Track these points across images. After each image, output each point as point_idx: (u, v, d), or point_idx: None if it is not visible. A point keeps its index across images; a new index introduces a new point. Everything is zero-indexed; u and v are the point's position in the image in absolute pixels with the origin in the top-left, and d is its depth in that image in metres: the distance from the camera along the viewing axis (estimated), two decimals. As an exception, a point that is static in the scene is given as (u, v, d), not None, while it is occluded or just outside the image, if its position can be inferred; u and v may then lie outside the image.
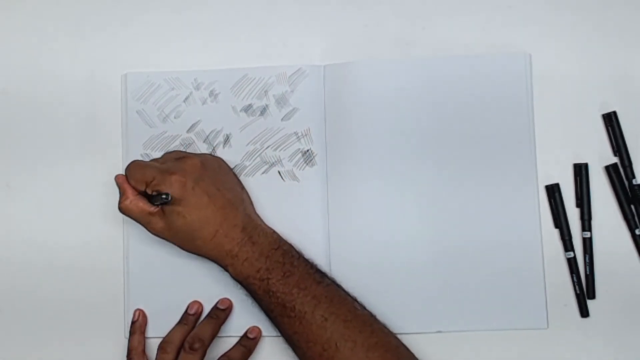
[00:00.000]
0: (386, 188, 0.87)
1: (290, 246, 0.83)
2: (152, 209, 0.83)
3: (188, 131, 0.90)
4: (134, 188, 0.83)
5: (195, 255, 0.85)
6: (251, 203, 0.87)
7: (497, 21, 0.90)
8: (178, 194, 0.81)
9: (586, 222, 0.86)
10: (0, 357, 0.89)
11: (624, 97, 0.88)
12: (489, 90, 0.88)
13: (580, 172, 0.87)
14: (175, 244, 0.84)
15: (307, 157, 0.89)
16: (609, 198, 0.87)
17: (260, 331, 0.87)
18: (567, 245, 0.86)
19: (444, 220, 0.87)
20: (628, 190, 0.86)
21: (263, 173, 0.89)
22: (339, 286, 0.83)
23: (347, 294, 0.82)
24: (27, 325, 0.89)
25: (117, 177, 0.85)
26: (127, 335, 0.87)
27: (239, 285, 0.83)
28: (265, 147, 0.89)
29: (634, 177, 0.86)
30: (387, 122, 0.88)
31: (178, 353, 0.84)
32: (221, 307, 0.87)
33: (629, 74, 0.88)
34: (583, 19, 0.89)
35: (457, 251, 0.86)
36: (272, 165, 0.89)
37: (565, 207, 0.87)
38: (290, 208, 0.88)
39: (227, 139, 0.89)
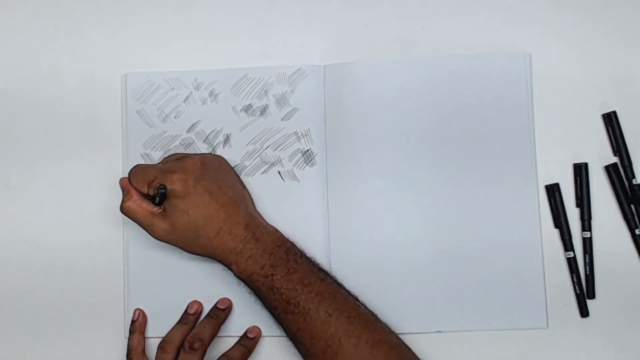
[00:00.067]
0: (386, 188, 0.87)
1: (293, 244, 0.84)
2: (155, 209, 0.83)
3: (188, 131, 0.90)
4: (137, 191, 0.83)
5: (195, 256, 0.85)
6: (252, 201, 0.87)
7: (497, 21, 0.90)
8: (180, 191, 0.81)
9: (586, 222, 0.86)
10: (0, 357, 0.89)
11: (624, 97, 0.88)
12: (489, 90, 0.88)
13: (580, 172, 0.87)
14: (178, 245, 0.84)
15: (307, 157, 0.89)
16: (609, 198, 0.87)
17: (260, 331, 0.87)
18: (567, 245, 0.86)
19: (444, 220, 0.87)
20: (628, 190, 0.86)
21: (263, 173, 0.89)
22: (340, 285, 0.83)
23: (348, 292, 0.82)
24: (27, 325, 0.89)
25: (121, 180, 0.85)
26: (127, 335, 0.87)
27: (242, 284, 0.83)
28: (265, 147, 0.89)
29: (634, 177, 0.86)
30: (387, 122, 0.88)
31: (178, 353, 0.84)
32: (221, 307, 0.87)
33: (629, 74, 0.88)
34: (583, 19, 0.89)
35: (457, 251, 0.86)
36: (272, 165, 0.89)
37: (565, 207, 0.87)
38: (290, 208, 0.88)
39: (227, 139, 0.89)
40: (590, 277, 0.86)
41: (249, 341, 0.86)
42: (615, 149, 0.87)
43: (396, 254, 0.86)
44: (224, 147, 0.89)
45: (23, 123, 0.91)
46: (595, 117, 0.88)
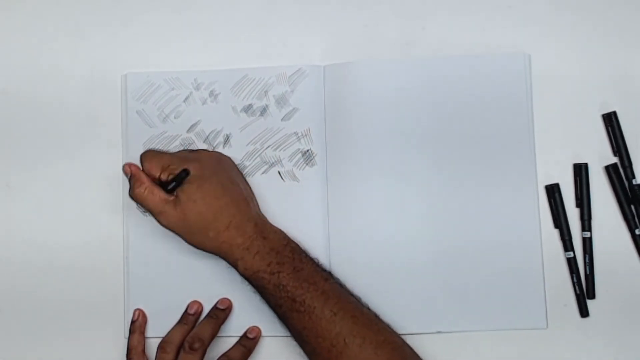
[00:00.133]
0: (386, 188, 0.87)
1: (297, 244, 0.84)
2: (168, 196, 0.82)
3: (188, 131, 0.90)
4: (148, 175, 0.83)
5: (195, 255, 0.85)
6: (257, 203, 0.87)
7: (497, 21, 0.90)
8: (197, 176, 0.81)
9: (586, 222, 0.86)
10: (0, 357, 0.89)
11: (624, 97, 0.88)
12: (489, 90, 0.88)
13: (580, 172, 0.87)
14: (184, 237, 0.83)
15: (307, 157, 0.89)
16: (609, 198, 0.87)
17: (260, 331, 0.87)
18: (567, 245, 0.86)
19: (444, 220, 0.87)
20: (628, 190, 0.86)
21: (263, 173, 0.89)
22: (342, 286, 0.83)
23: (351, 293, 0.83)
24: (27, 325, 0.89)
25: (129, 166, 0.84)
26: (127, 335, 0.87)
27: (245, 283, 0.83)
28: (265, 147, 0.89)
29: (634, 177, 0.86)
30: (387, 122, 0.88)
31: (178, 353, 0.84)
32: (221, 307, 0.87)
33: (629, 74, 0.88)
34: (583, 19, 0.89)
35: (457, 251, 0.86)
36: (272, 165, 0.89)
37: (565, 207, 0.87)
38: (290, 208, 0.88)
39: (227, 139, 0.89)
40: (590, 277, 0.86)
41: (249, 341, 0.86)
42: (615, 149, 0.87)
43: (396, 254, 0.86)
44: (224, 147, 0.89)
45: (23, 123, 0.91)
46: (595, 117, 0.88)
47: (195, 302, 0.87)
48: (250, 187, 0.87)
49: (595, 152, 0.87)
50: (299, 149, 0.89)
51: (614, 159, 0.87)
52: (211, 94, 0.90)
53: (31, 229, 0.90)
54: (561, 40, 0.89)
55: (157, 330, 0.87)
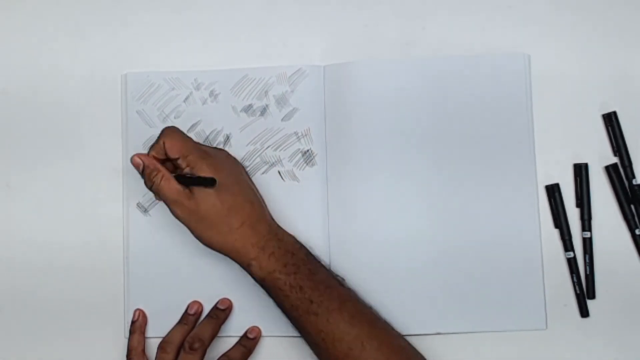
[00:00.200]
0: (386, 188, 0.87)
1: (309, 249, 0.83)
2: (184, 188, 0.81)
3: (188, 131, 0.89)
4: (166, 153, 0.81)
5: (195, 255, 0.85)
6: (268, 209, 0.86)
7: (497, 21, 0.89)
8: (213, 176, 0.81)
9: (586, 222, 0.86)
10: (0, 357, 0.89)
11: (624, 97, 0.88)
12: (489, 91, 0.88)
13: (580, 172, 0.87)
14: (194, 231, 0.82)
15: (307, 157, 0.89)
16: (609, 198, 0.87)
17: (260, 331, 0.87)
18: (567, 245, 0.86)
19: (444, 220, 0.87)
20: (628, 190, 0.86)
21: (263, 173, 0.89)
22: (355, 291, 0.83)
23: (363, 299, 0.83)
24: (27, 325, 0.89)
25: (139, 156, 0.82)
26: (127, 335, 0.87)
27: (258, 285, 0.82)
28: (265, 147, 0.89)
29: (634, 177, 0.86)
30: (387, 122, 0.88)
31: (178, 353, 0.84)
32: (221, 307, 0.87)
33: (629, 74, 0.88)
34: (583, 19, 0.89)
35: (457, 251, 0.86)
36: (272, 165, 0.89)
37: (565, 207, 0.87)
38: (290, 208, 0.87)
39: (227, 139, 0.89)
40: (590, 277, 0.86)
41: (249, 341, 0.86)
42: (615, 149, 0.87)
43: (396, 254, 0.86)
44: (224, 147, 0.89)
45: (23, 123, 0.91)
46: (595, 117, 0.88)
47: (195, 302, 0.87)
48: (260, 194, 0.87)
49: (595, 152, 0.87)
50: (299, 149, 0.89)
51: (614, 159, 0.87)
52: (211, 94, 0.90)
53: (31, 229, 0.90)
54: (561, 40, 0.89)
55: (157, 330, 0.87)
